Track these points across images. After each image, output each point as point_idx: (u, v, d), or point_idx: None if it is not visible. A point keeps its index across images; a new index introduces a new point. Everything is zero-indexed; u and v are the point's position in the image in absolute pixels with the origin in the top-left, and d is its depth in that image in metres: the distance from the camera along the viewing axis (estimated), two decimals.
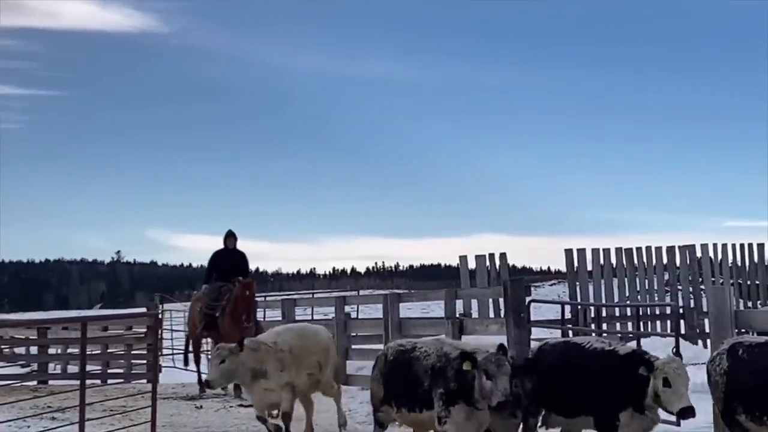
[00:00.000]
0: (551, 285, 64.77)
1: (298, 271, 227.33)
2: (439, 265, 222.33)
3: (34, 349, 29.55)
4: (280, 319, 22.88)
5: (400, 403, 11.26)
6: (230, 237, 21.96)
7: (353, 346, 20.81)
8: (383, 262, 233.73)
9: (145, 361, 26.05)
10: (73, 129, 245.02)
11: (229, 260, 21.63)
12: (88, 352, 25.40)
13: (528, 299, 15.94)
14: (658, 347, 16.64)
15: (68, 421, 14.67)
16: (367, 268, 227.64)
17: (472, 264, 26.04)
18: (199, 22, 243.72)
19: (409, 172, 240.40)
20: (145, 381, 23.77)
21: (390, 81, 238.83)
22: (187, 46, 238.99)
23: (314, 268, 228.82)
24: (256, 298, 22.08)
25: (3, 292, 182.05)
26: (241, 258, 21.97)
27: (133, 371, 26.55)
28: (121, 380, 24.87)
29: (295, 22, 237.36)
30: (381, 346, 19.11)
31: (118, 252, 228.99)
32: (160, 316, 28.59)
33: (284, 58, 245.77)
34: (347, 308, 22.00)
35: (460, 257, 26.49)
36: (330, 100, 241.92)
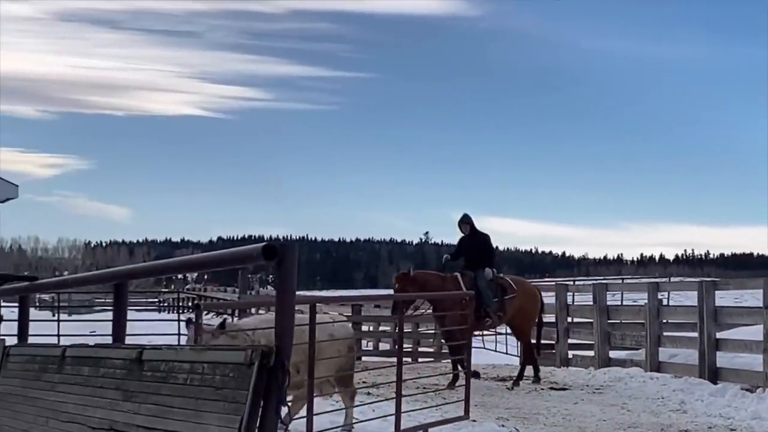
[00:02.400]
0: None
1: (605, 257, 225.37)
2: (751, 254, 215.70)
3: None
4: (591, 303, 22.66)
5: None
6: (464, 223, 20.50)
7: (665, 333, 20.34)
8: (692, 250, 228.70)
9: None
10: (382, 111, 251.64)
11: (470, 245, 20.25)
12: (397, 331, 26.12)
13: None
14: None
15: (383, 396, 15.00)
16: (676, 256, 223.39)
17: None
18: (505, 4, 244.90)
19: (716, 158, 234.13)
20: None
21: (698, 65, 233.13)
22: (495, 29, 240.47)
23: (621, 254, 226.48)
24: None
25: (315, 270, 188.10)
26: (484, 242, 20.49)
27: (442, 350, 26.84)
28: (431, 359, 25.20)
29: (601, 5, 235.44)
30: (695, 334, 18.71)
31: (426, 233, 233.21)
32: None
33: (592, 41, 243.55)
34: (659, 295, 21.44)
35: None
36: (635, 84, 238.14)
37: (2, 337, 8.11)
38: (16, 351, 7.60)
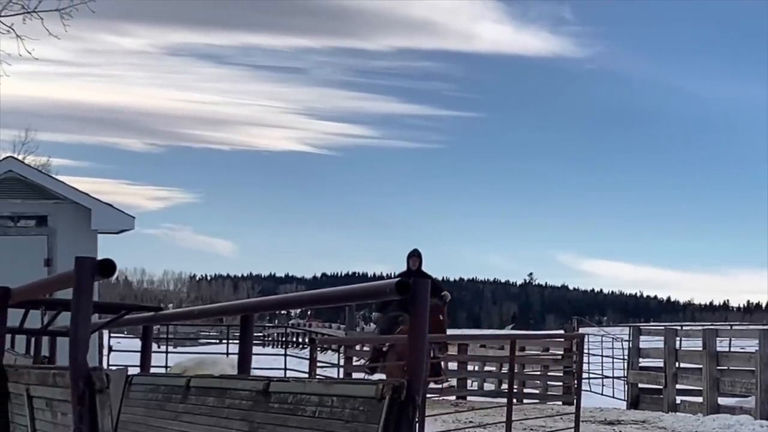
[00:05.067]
0: None
1: (711, 303, 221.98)
2: None
3: (452, 365, 30.34)
4: (700, 348, 22.35)
5: None
6: (413, 257, 19.98)
7: None
8: None
9: (561, 383, 26.09)
10: (487, 150, 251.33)
11: None
12: (503, 371, 26.05)
13: None
14: None
15: None
16: None
17: None
18: (612, 46, 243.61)
19: None
20: (560, 403, 23.82)
21: None
22: (601, 71, 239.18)
23: (728, 300, 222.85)
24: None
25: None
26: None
27: (548, 392, 26.66)
28: (536, 401, 25.04)
29: (708, 48, 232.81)
30: None
31: (530, 274, 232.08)
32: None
33: (697, 84, 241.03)
34: None
35: None
36: (746, 130, 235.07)
37: (124, 367, 8.25)
38: (138, 380, 7.71)
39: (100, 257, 5.19)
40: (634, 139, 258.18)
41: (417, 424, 9.78)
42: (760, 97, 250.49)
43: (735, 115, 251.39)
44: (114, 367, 8.58)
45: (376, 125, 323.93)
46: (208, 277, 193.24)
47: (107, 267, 5.14)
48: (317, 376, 13.68)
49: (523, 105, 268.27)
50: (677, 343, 24.59)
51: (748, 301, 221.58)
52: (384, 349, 18.67)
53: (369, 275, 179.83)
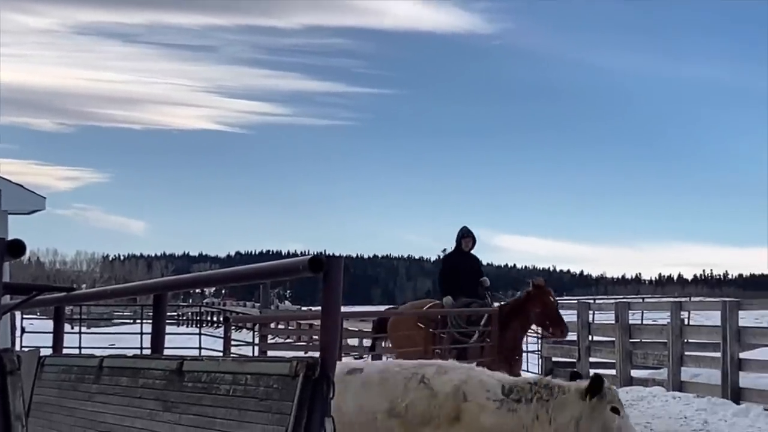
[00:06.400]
0: None
1: (623, 276, 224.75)
2: None
3: (367, 342, 30.42)
4: (613, 322, 22.64)
5: None
6: (467, 237, 17.65)
7: (687, 353, 20.32)
8: (711, 270, 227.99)
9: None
10: (399, 127, 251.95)
11: (467, 267, 17.49)
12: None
13: None
14: None
15: None
16: (695, 276, 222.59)
17: None
18: (520, 21, 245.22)
19: (735, 178, 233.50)
20: None
21: (717, 86, 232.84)
22: (509, 47, 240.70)
23: (639, 274, 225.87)
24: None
25: None
26: (479, 265, 17.85)
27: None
28: None
29: (615, 24, 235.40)
30: (717, 354, 18.69)
31: (444, 250, 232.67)
32: None
33: (605, 60, 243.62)
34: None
35: None
36: (654, 103, 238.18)
37: (37, 348, 8.17)
38: (51, 361, 7.66)
39: (10, 238, 5.14)
40: (543, 114, 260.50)
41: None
42: (663, 70, 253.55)
43: (639, 88, 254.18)
44: (26, 349, 8.47)
45: (288, 103, 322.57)
46: (122, 257, 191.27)
47: (17, 247, 5.09)
48: (231, 355, 13.64)
49: (433, 82, 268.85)
50: (590, 316, 24.89)
51: (660, 274, 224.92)
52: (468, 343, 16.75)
53: (283, 253, 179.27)
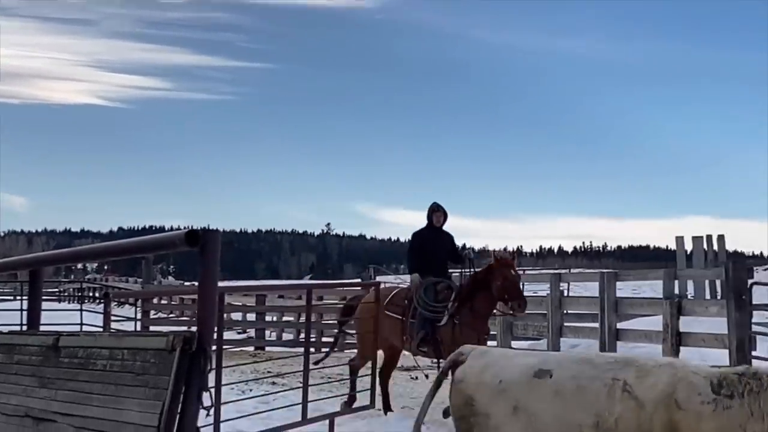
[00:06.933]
0: (765, 270, 63.63)
1: (504, 248, 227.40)
2: (647, 246, 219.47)
3: (251, 316, 30.40)
4: None
5: None
6: (437, 211, 16.66)
7: (567, 324, 20.65)
8: (591, 242, 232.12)
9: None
10: (281, 102, 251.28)
11: (437, 243, 16.58)
12: (301, 321, 26.21)
13: (750, 281, 15.57)
14: None
15: (288, 386, 15.06)
16: (575, 248, 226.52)
17: (688, 246, 25.53)
18: None
19: (614, 150, 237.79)
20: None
21: (594, 57, 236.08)
22: (392, 21, 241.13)
23: (521, 246, 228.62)
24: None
25: None
26: (451, 242, 16.85)
27: (347, 341, 26.91)
28: (336, 349, 25.24)
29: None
30: (595, 325, 19.03)
31: (328, 224, 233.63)
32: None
33: (483, 33, 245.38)
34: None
35: (677, 238, 25.98)
36: (540, 80, 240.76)
37: None
38: None
39: None
40: (426, 88, 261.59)
41: (214, 375, 9.78)
42: (561, 47, 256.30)
43: (524, 63, 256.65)
44: None
45: (169, 77, 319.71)
46: (2, 234, 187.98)
47: None
48: (111, 330, 13.51)
49: (315, 56, 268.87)
50: None
51: (541, 246, 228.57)
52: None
53: (166, 228, 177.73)
